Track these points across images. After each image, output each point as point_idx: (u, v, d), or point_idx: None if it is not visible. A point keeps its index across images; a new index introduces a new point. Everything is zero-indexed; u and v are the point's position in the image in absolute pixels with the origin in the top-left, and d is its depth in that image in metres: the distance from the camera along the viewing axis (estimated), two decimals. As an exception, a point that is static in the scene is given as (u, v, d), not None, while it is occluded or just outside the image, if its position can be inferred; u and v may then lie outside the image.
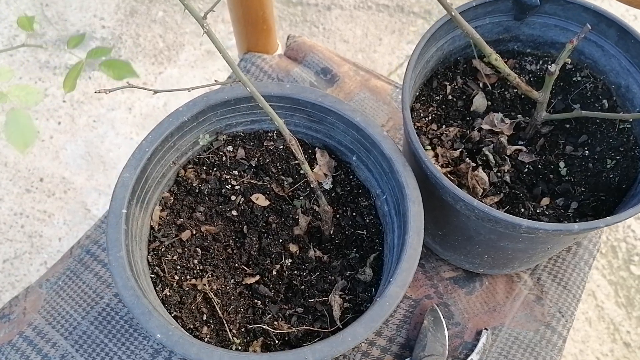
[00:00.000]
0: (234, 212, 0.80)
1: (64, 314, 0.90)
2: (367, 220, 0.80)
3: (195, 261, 0.77)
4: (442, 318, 0.88)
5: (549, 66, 0.74)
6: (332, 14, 1.98)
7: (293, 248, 0.79)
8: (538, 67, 0.90)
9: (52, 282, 0.93)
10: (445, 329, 0.88)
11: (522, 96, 0.88)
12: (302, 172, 0.83)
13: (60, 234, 1.67)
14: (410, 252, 0.68)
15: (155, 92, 0.72)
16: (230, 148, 0.83)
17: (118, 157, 1.77)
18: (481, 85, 0.89)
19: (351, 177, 0.83)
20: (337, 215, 0.81)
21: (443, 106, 0.88)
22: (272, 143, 0.84)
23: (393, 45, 1.93)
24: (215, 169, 0.82)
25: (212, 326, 0.73)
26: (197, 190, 0.81)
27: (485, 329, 0.90)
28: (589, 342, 1.58)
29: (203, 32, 0.66)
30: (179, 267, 0.76)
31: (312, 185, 0.76)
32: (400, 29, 1.96)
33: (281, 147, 0.83)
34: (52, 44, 1.94)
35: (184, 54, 1.94)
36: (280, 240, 0.79)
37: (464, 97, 0.88)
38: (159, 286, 0.74)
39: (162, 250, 0.76)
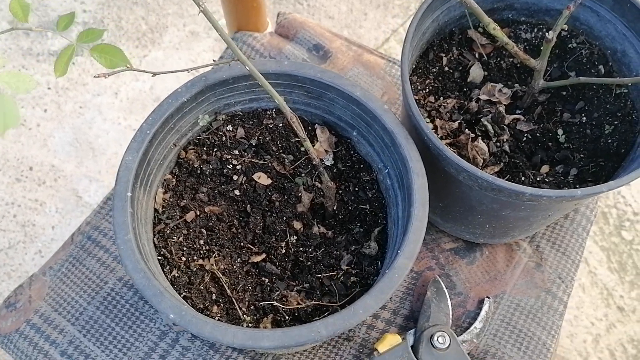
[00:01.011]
0: (237, 192, 0.81)
1: (70, 300, 0.90)
2: (370, 195, 0.81)
3: (201, 242, 0.77)
4: (444, 289, 0.89)
5: (547, 33, 0.74)
6: (317, -10, 1.97)
7: (297, 225, 0.80)
8: (533, 35, 0.90)
9: (56, 270, 0.93)
10: (448, 299, 0.89)
11: (518, 65, 0.89)
12: (302, 149, 0.83)
13: (53, 222, 1.66)
14: (417, 224, 0.69)
15: (154, 74, 0.71)
16: (229, 128, 0.83)
17: (107, 142, 1.76)
18: (477, 55, 0.90)
19: (352, 152, 0.83)
20: (340, 191, 0.81)
21: (440, 78, 0.88)
22: (271, 121, 0.84)
23: (379, 19, 1.93)
24: (215, 149, 0.82)
25: (222, 305, 0.74)
26: (198, 172, 0.81)
27: (487, 297, 0.91)
28: (583, 308, 1.62)
29: (199, 11, 0.66)
30: (185, 248, 0.76)
31: (314, 162, 0.77)
32: (385, 3, 1.95)
33: (281, 125, 0.83)
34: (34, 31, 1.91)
35: (168, 35, 1.92)
36: (284, 218, 0.80)
37: (460, 68, 0.89)
38: (167, 268, 0.74)
39: (168, 232, 0.77)
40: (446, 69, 0.88)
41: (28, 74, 0.72)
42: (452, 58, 0.89)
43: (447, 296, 0.89)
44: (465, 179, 0.74)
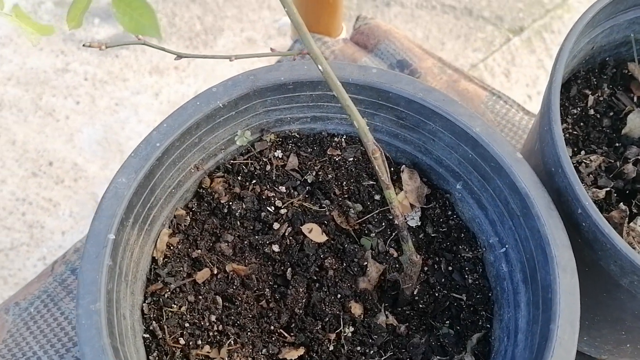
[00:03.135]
0: (275, 248, 0.53)
1: (30, 355, 0.63)
2: (470, 281, 0.52)
3: (213, 317, 0.49)
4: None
5: None
6: (391, 11, 1.71)
7: (356, 309, 0.52)
8: None
9: (22, 308, 0.67)
10: None
11: (693, 121, 0.60)
12: (377, 198, 0.55)
13: (65, 227, 1.41)
14: (560, 354, 0.40)
15: (180, 56, 0.45)
16: (278, 154, 0.55)
17: (138, 146, 1.51)
18: (635, 99, 0.61)
19: (450, 213, 0.55)
20: (425, 268, 0.53)
21: (582, 123, 0.60)
22: (338, 152, 0.56)
23: (457, 51, 1.65)
24: (254, 181, 0.55)
25: None
26: (225, 210, 0.54)
27: None
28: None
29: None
30: (187, 326, 0.48)
31: (396, 221, 0.49)
32: (467, 35, 1.67)
33: (351, 159, 0.56)
34: (80, 16, 1.69)
35: (223, 39, 1.67)
36: (339, 296, 0.52)
37: (612, 114, 0.60)
38: (155, 354, 0.47)
39: (166, 296, 0.49)
40: (592, 112, 0.60)
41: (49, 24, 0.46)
42: (601, 98, 0.61)
43: None
44: (632, 284, 0.45)
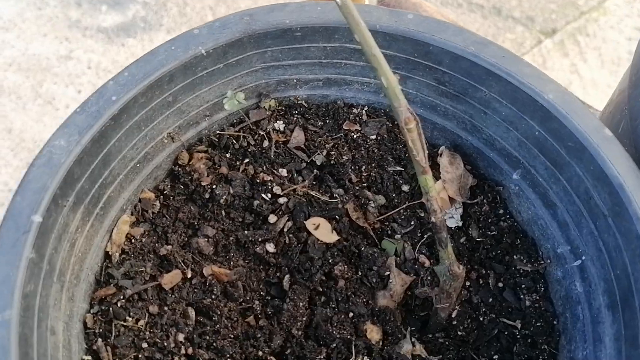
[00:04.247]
0: (270, 247, 0.39)
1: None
2: (527, 303, 0.38)
3: (181, 337, 0.36)
4: None
5: None
6: (415, 9, 1.58)
7: (373, 334, 0.38)
8: None
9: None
10: None
11: None
12: (405, 189, 0.42)
13: (56, 222, 1.29)
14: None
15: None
16: (280, 126, 0.42)
17: (140, 140, 1.38)
18: None
19: (501, 212, 0.41)
20: (467, 283, 0.39)
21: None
22: (357, 127, 0.43)
23: (483, 53, 1.51)
24: (247, 160, 0.41)
25: None
26: (207, 196, 0.40)
27: None
28: None
29: None
30: (145, 346, 0.35)
31: (432, 219, 0.35)
32: (495, 35, 1.54)
33: (373, 136, 0.42)
34: (88, 2, 1.58)
35: (236, 32, 1.55)
36: (351, 315, 0.38)
37: None
38: (95, 385, 0.33)
39: (119, 304, 0.36)
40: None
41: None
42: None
43: None
44: None
